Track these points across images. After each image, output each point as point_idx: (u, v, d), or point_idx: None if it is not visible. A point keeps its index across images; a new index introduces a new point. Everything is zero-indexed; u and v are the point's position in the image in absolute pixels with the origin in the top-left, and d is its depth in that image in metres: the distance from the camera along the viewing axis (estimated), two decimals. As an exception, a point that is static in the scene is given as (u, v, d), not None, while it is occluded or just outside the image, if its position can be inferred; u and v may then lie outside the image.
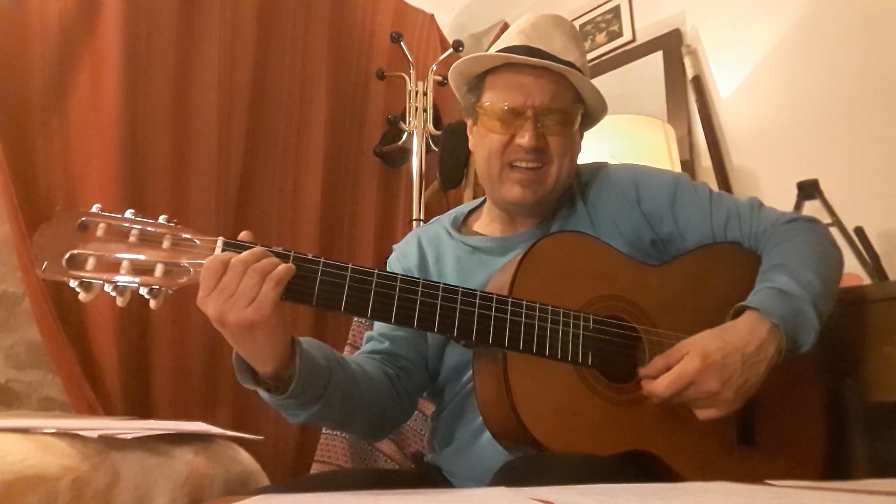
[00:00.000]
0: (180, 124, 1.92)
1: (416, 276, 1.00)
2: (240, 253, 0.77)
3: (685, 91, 2.11)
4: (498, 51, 1.04)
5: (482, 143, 1.05)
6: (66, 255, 0.74)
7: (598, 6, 2.44)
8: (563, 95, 1.02)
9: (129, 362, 1.72)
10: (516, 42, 1.03)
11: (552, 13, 1.08)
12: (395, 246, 1.20)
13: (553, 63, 1.00)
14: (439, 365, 1.07)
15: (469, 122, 1.11)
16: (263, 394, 0.85)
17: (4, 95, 1.65)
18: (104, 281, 0.74)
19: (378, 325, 1.09)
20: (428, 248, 1.13)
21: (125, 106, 1.78)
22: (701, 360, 0.84)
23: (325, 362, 0.88)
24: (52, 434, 0.95)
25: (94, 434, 0.96)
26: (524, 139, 0.99)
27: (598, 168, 1.13)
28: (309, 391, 0.85)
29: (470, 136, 1.12)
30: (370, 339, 1.09)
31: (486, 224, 1.13)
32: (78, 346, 1.66)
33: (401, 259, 1.14)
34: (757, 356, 0.85)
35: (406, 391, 1.04)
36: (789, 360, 0.89)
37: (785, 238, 0.99)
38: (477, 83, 1.07)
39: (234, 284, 0.74)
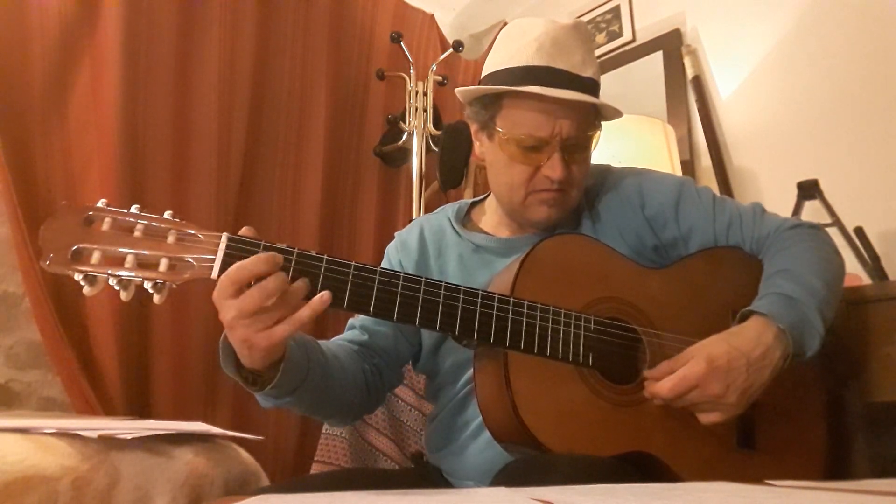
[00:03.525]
0: (180, 124, 1.92)
1: (415, 271, 1.00)
2: (243, 249, 0.77)
3: (685, 91, 2.11)
4: (516, 67, 0.98)
5: (504, 170, 1.02)
6: (72, 249, 0.74)
7: (598, 6, 2.45)
8: (587, 120, 1.00)
9: (129, 362, 1.72)
10: (535, 61, 0.97)
11: (568, 21, 1.01)
12: (396, 233, 1.20)
13: (584, 96, 0.97)
14: (435, 365, 1.07)
15: (474, 128, 1.08)
16: (236, 378, 0.85)
17: (4, 95, 1.65)
18: (109, 275, 0.75)
19: (362, 316, 1.08)
20: (430, 240, 1.12)
21: (125, 106, 1.78)
22: (706, 364, 0.84)
23: (306, 362, 0.87)
24: (52, 434, 0.95)
25: (94, 434, 0.96)
26: (555, 174, 0.98)
27: (601, 172, 1.13)
28: (282, 387, 0.84)
29: (477, 143, 1.10)
30: (352, 328, 1.08)
31: (492, 224, 1.13)
32: (78, 346, 1.66)
33: (399, 250, 1.14)
34: (762, 361, 0.85)
35: (375, 388, 1.04)
36: (793, 365, 0.89)
37: (788, 244, 0.99)
38: (493, 101, 1.02)
39: (252, 308, 0.74)
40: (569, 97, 0.95)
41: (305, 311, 0.76)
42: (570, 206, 1.05)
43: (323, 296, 0.77)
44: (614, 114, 1.03)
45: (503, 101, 1.01)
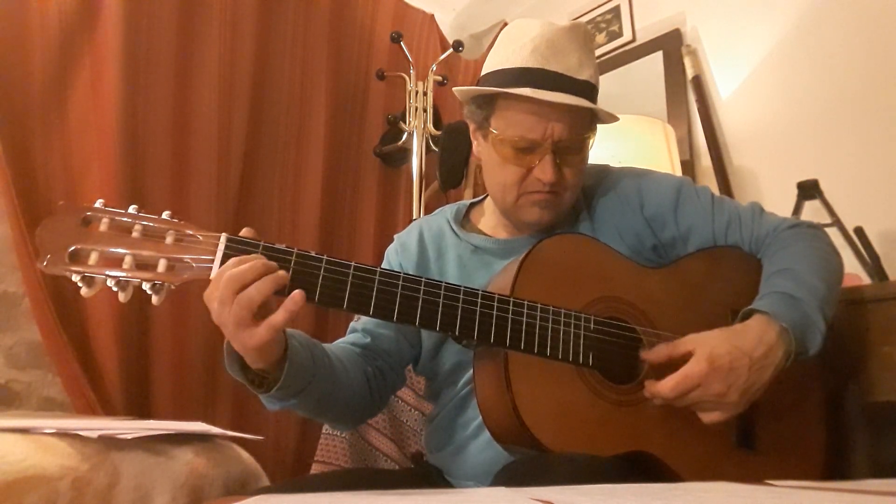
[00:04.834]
0: (180, 124, 1.92)
1: (415, 273, 1.00)
2: (242, 249, 0.77)
3: (685, 91, 2.11)
4: (511, 68, 0.98)
5: (497, 170, 1.02)
6: (69, 250, 0.74)
7: (598, 6, 2.45)
8: (580, 123, 0.99)
9: (129, 362, 1.72)
10: (530, 62, 0.97)
11: (566, 23, 1.01)
12: (396, 235, 1.20)
13: (576, 99, 0.96)
14: (435, 366, 1.07)
15: (472, 127, 1.08)
16: (243, 380, 0.85)
17: (4, 95, 1.65)
18: (106, 276, 0.74)
19: (363, 319, 1.09)
20: (430, 242, 1.12)
21: (125, 106, 1.78)
22: (708, 364, 0.84)
23: (312, 365, 0.87)
24: (52, 434, 0.95)
25: (94, 434, 0.96)
26: (545, 176, 0.97)
27: (600, 172, 1.13)
28: (287, 389, 0.84)
29: (474, 142, 1.10)
30: (353, 331, 1.08)
31: (491, 225, 1.13)
32: (78, 346, 1.66)
33: (399, 252, 1.14)
34: (765, 360, 0.85)
35: (378, 391, 1.04)
36: (793, 364, 0.89)
37: (788, 243, 0.99)
38: (487, 101, 1.02)
39: (227, 293, 0.74)
40: (559, 100, 0.95)
41: (280, 315, 0.75)
42: (563, 208, 1.04)
43: (294, 295, 0.76)
44: (609, 118, 1.02)
45: (497, 102, 1.01)
